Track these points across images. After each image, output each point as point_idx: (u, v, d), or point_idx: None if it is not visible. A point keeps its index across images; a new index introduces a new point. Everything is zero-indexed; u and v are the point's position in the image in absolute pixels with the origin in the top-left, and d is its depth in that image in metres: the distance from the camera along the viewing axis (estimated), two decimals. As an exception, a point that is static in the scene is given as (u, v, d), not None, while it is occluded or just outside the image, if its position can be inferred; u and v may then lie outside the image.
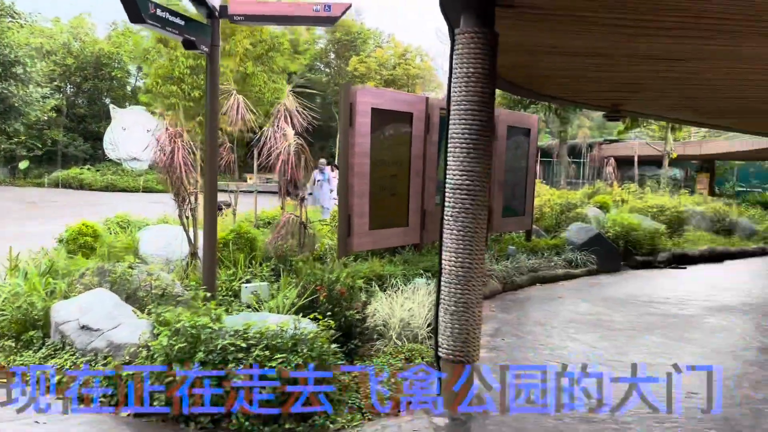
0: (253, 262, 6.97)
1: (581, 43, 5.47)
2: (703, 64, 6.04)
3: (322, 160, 16.91)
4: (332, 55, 38.68)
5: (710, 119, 12.81)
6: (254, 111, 8.97)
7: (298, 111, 7.92)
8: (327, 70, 38.77)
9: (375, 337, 5.75)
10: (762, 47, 5.08)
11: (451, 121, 4.54)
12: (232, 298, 6.12)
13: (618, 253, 11.77)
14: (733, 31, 4.46)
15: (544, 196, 14.95)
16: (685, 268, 12.38)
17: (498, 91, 19.22)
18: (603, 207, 15.73)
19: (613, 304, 8.52)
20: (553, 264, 10.43)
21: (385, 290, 6.64)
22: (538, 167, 35.66)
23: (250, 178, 23.77)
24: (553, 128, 32.39)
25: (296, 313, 5.26)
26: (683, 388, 5.14)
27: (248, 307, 5.84)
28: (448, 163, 4.55)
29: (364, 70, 32.87)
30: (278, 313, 5.41)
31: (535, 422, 4.42)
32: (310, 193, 16.13)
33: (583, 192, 19.55)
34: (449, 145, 4.54)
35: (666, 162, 25.13)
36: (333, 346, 4.49)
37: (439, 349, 4.63)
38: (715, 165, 32.16)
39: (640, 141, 29.48)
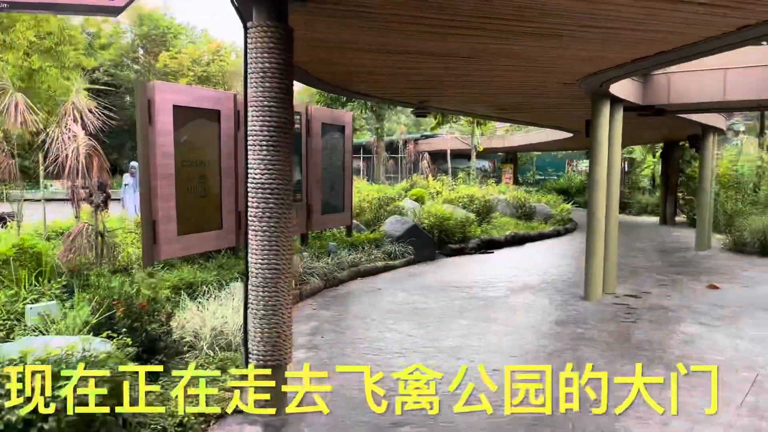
0: (41, 279, 6.21)
1: (379, 40, 5.58)
2: (489, 62, 6.47)
3: (134, 163, 15.70)
4: (141, 51, 36.25)
5: (506, 114, 13.95)
6: (39, 110, 8.03)
7: (91, 110, 7.22)
8: (136, 66, 36.22)
9: (185, 349, 5.40)
10: (532, 46, 5.54)
11: (249, 119, 4.38)
12: (15, 322, 5.39)
13: (433, 242, 12.38)
14: (509, 31, 4.80)
15: (364, 191, 15.27)
16: (492, 252, 13.36)
17: (314, 90, 19.26)
18: (419, 199, 16.45)
19: (429, 292, 8.90)
20: (373, 257, 10.68)
21: (196, 299, 6.28)
22: (360, 164, 36.66)
23: (55, 184, 21.37)
24: (372, 125, 33.33)
25: (90, 332, 4.76)
26: (488, 365, 5.48)
27: (35, 330, 5.18)
28: (249, 161, 4.39)
29: (176, 67, 31.18)
30: (70, 334, 4.86)
31: (352, 420, 4.42)
32: (118, 199, 14.94)
33: (400, 186, 20.32)
34: (249, 143, 4.38)
35: (474, 155, 26.98)
36: (132, 364, 4.11)
37: (250, 355, 4.46)
38: (517, 156, 35.25)
39: (452, 136, 31.34)
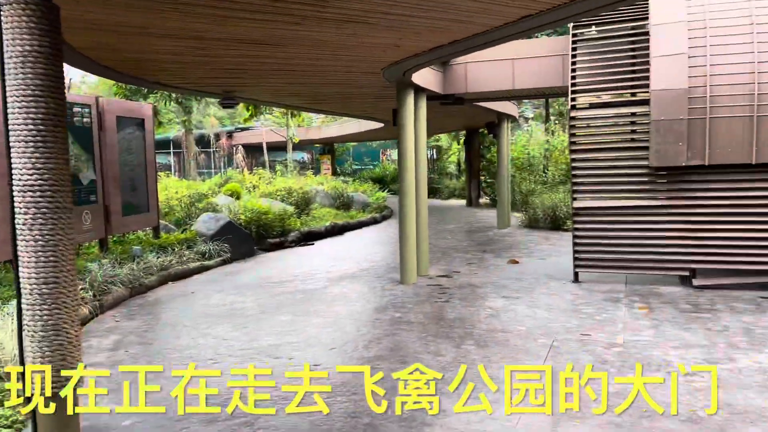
0: None
1: (170, 24, 5.13)
2: (292, 49, 6.29)
3: None
4: None
5: (317, 105, 13.91)
6: None
7: None
8: None
9: (-51, 385, 4.57)
10: (330, 33, 5.46)
11: (9, 111, 3.75)
12: None
13: (251, 238, 12.01)
14: (301, 15, 4.64)
15: (172, 188, 14.36)
16: (312, 244, 13.30)
17: (111, 81, 17.69)
18: (234, 194, 15.88)
19: (246, 290, 8.56)
20: (185, 259, 10.04)
21: (-37, 324, 5.36)
22: (171, 159, 34.59)
23: None
24: (181, 118, 31.58)
25: None
26: (309, 361, 5.36)
27: None
28: (12, 160, 3.76)
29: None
30: None
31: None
32: None
33: (213, 181, 19.50)
34: (10, 139, 3.75)
35: (290, 147, 26.75)
36: None
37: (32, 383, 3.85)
38: (334, 147, 35.67)
39: (267, 128, 30.77)
